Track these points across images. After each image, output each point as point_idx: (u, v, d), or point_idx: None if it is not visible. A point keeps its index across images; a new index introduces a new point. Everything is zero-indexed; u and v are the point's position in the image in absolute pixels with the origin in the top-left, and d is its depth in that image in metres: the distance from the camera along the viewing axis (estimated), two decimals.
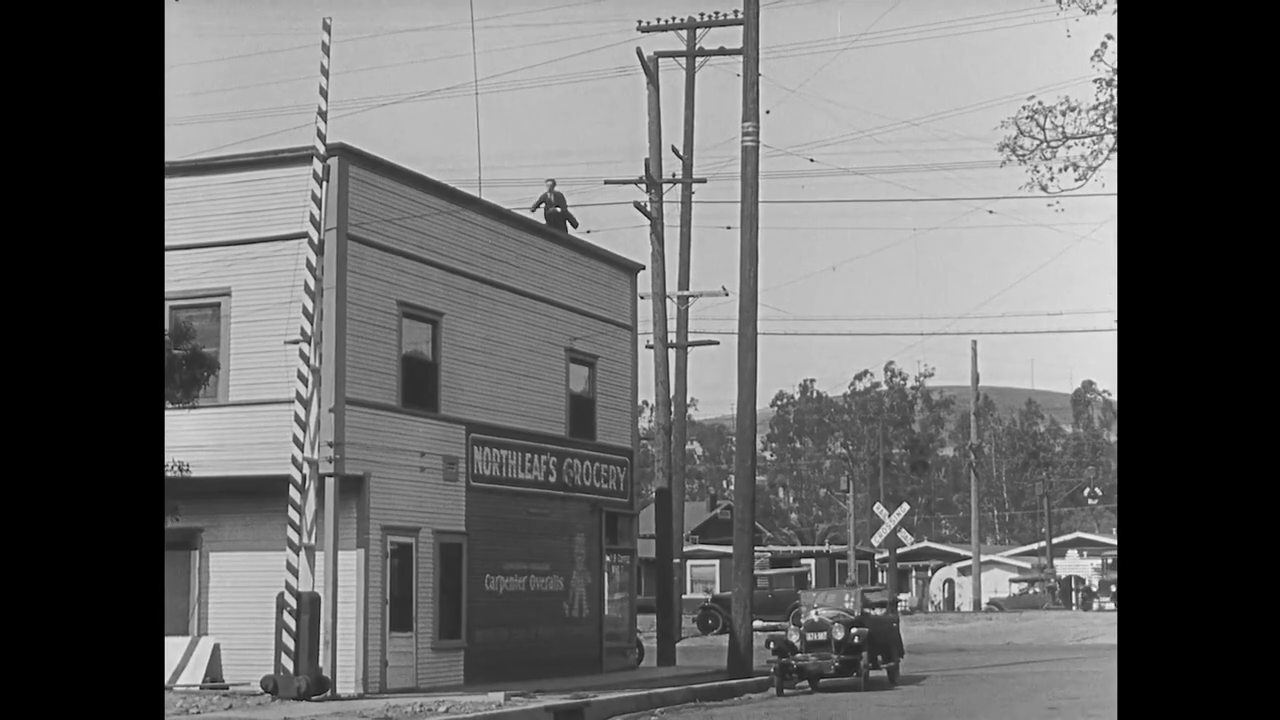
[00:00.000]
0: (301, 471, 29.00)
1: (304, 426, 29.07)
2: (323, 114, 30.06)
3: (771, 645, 35.23)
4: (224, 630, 31.23)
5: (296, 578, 28.65)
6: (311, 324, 29.27)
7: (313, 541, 28.97)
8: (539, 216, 39.65)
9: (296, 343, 29.26)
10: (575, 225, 40.75)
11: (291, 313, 30.36)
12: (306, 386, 29.24)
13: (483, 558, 34.88)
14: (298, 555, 28.73)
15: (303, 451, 29.06)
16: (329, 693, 28.36)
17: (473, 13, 33.27)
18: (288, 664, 28.35)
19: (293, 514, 28.96)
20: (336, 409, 30.34)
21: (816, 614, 35.88)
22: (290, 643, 28.31)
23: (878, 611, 37.43)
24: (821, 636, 35.08)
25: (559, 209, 40.46)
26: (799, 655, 34.93)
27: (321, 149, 29.94)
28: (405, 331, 32.81)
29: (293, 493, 28.97)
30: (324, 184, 29.98)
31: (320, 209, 29.91)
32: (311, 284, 29.58)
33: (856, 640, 34.97)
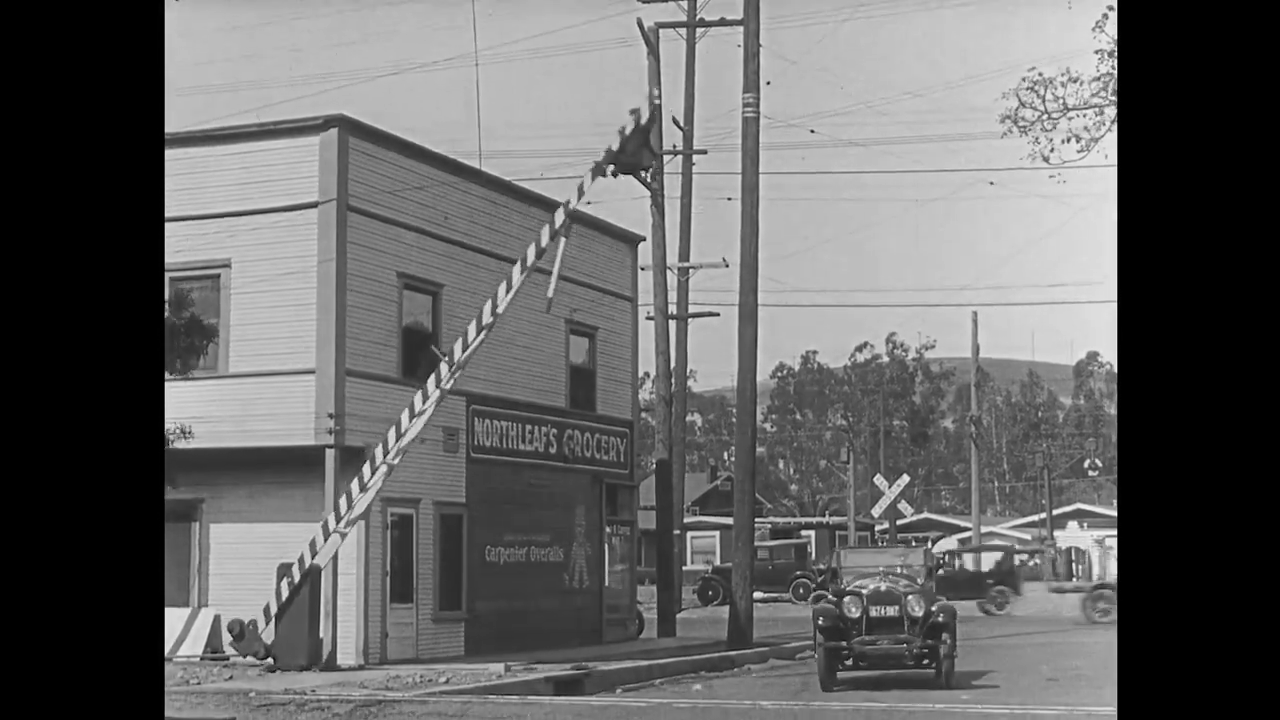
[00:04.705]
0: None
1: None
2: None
3: (821, 621, 27.24)
4: (224, 601, 31.27)
5: (313, 552, 28.89)
6: (460, 349, 29.39)
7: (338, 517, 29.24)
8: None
9: (441, 358, 29.49)
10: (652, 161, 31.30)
11: (288, 284, 30.44)
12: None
13: (483, 529, 34.91)
14: (327, 530, 29.04)
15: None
16: (270, 659, 28.68)
17: None
18: (287, 634, 28.49)
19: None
20: (337, 380, 30.36)
21: (883, 584, 27.65)
22: (275, 607, 28.64)
23: (929, 582, 29.15)
24: (892, 612, 27.12)
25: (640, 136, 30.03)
26: (861, 639, 26.96)
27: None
28: (405, 302, 32.81)
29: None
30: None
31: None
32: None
33: (941, 619, 27.01)
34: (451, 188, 34.32)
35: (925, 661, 27.15)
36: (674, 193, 52.79)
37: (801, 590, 68.49)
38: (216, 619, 30.97)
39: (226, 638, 29.59)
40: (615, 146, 29.67)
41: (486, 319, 29.31)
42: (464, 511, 34.28)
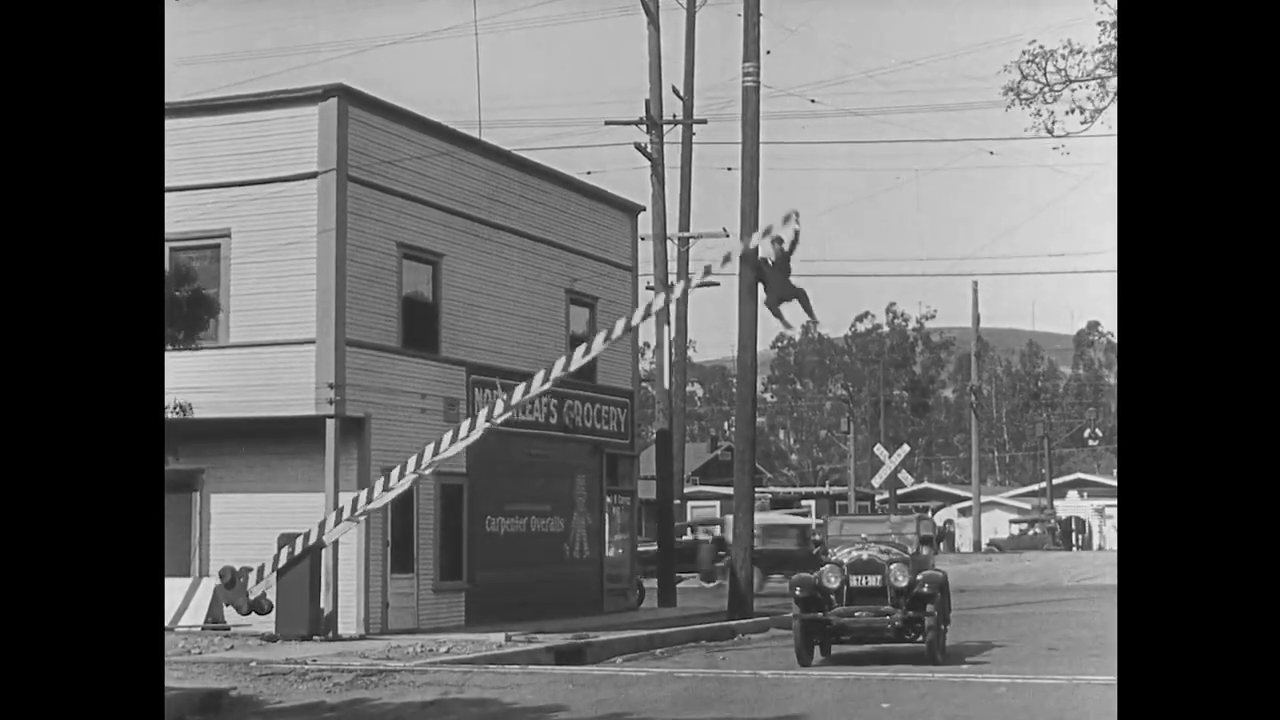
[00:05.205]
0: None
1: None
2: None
3: (798, 592, 25.75)
4: None
5: (321, 532, 28.98)
6: (520, 393, 29.24)
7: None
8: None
9: (500, 396, 29.53)
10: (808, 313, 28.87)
11: (288, 254, 30.47)
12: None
13: (484, 499, 34.94)
14: (341, 516, 29.11)
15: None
16: (254, 614, 28.98)
17: None
18: (288, 604, 28.60)
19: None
20: (337, 350, 30.39)
21: (865, 552, 25.96)
22: (270, 569, 28.75)
23: (923, 550, 27.62)
24: (874, 582, 25.50)
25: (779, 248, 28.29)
26: (838, 610, 25.47)
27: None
28: (405, 273, 32.82)
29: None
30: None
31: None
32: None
33: (926, 589, 25.38)
34: (451, 157, 34.30)
35: (909, 634, 25.62)
36: (674, 162, 52.75)
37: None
38: (217, 589, 31.01)
39: (218, 582, 29.61)
40: (739, 252, 29.34)
41: (557, 372, 29.06)
42: (464, 482, 34.30)
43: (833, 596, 25.54)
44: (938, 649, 25.32)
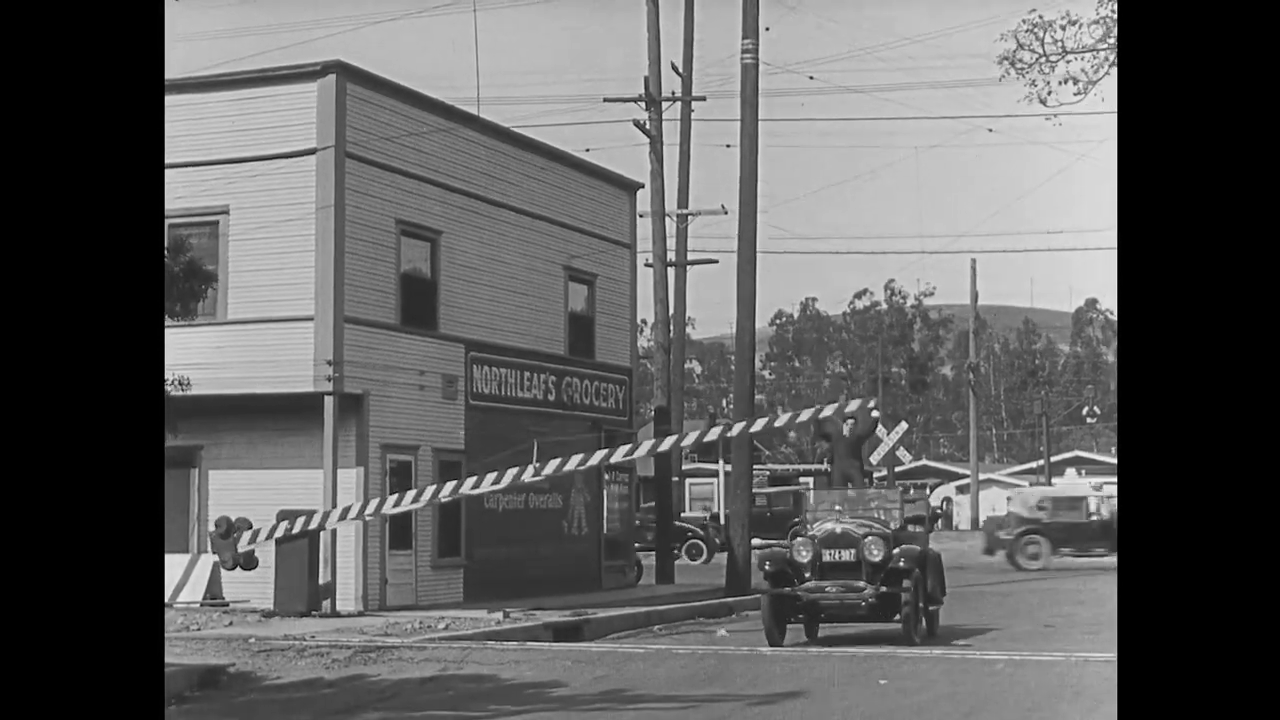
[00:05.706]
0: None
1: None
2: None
3: (767, 566, 24.63)
4: None
5: (324, 518, 29.01)
6: (553, 467, 29.52)
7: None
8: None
9: (533, 462, 29.33)
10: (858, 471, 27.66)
11: (287, 231, 30.44)
12: None
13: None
14: (347, 514, 29.13)
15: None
16: (238, 569, 28.99)
17: None
18: (287, 579, 28.64)
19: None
20: (335, 327, 30.37)
21: (839, 524, 24.47)
22: (265, 535, 28.71)
23: (914, 528, 25.83)
24: (847, 556, 23.96)
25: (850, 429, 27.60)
26: (808, 585, 24.07)
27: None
28: (404, 250, 32.79)
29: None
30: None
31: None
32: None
33: (903, 564, 23.82)
34: (450, 134, 34.26)
35: (885, 612, 24.10)
36: (672, 139, 52.72)
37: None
38: (216, 565, 31.01)
39: (212, 529, 29.56)
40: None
41: (594, 461, 29.44)
42: (462, 458, 34.28)
43: (805, 572, 24.18)
44: (914, 628, 23.75)
